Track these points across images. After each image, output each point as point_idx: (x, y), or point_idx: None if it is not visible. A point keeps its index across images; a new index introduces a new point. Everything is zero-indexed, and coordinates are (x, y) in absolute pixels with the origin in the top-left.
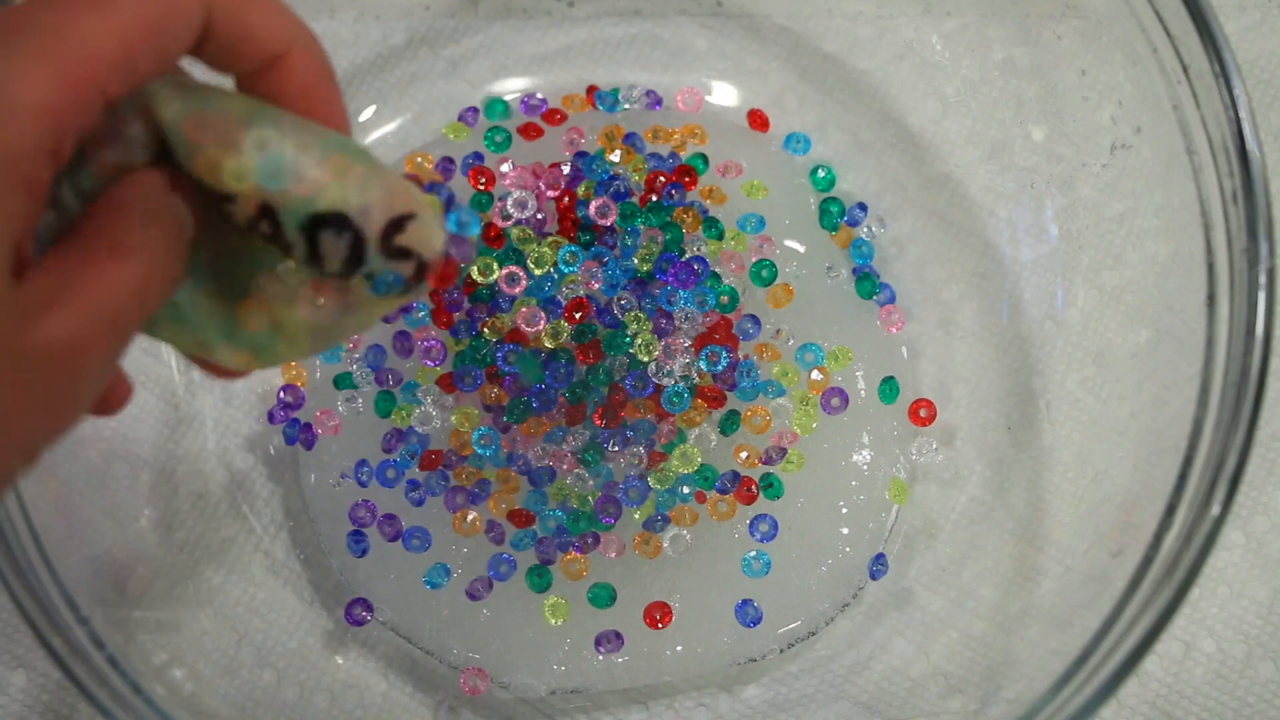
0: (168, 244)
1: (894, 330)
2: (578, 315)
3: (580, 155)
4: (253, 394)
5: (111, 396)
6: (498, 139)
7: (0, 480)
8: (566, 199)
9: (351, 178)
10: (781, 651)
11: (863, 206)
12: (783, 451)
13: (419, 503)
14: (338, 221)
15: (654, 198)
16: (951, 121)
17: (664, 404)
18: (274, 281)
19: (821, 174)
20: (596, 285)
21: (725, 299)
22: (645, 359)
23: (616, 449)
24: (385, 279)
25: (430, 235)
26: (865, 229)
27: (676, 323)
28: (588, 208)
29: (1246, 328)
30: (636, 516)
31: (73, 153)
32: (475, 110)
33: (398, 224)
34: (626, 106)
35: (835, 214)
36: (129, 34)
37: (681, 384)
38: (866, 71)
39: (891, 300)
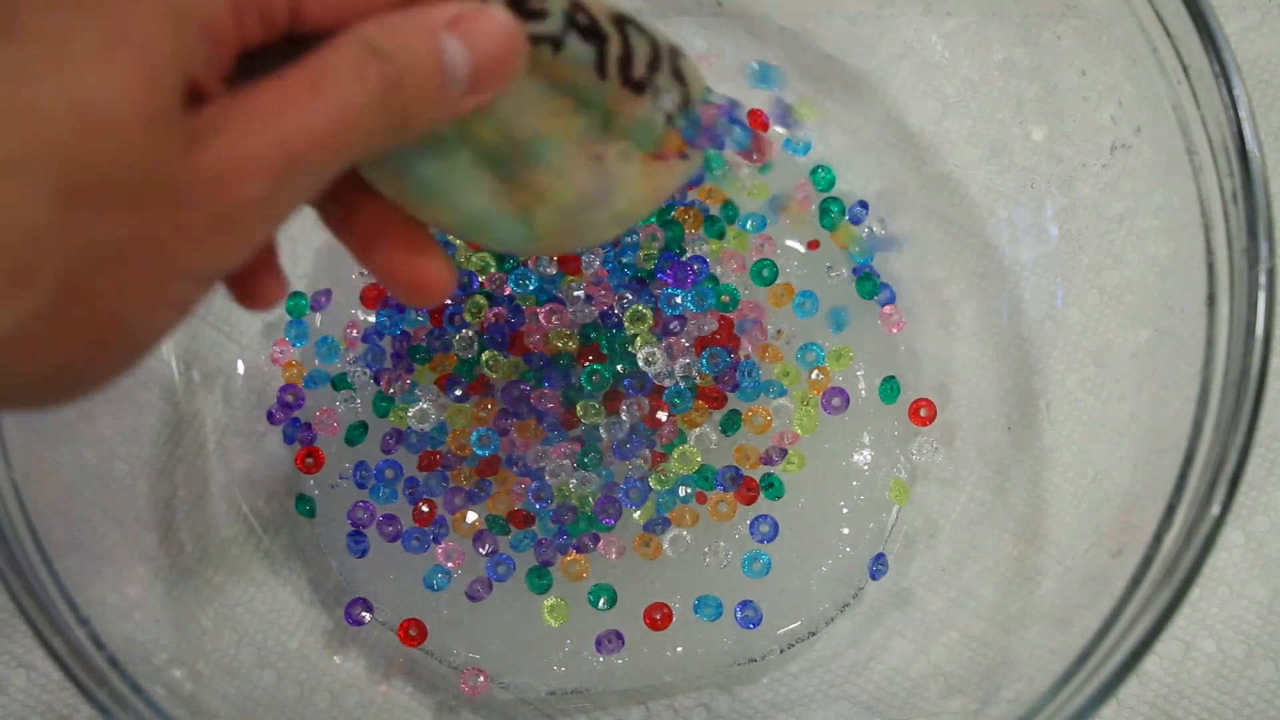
0: (387, 86)
1: (894, 330)
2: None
3: None
4: (252, 394)
5: (261, 290)
6: None
7: (174, 308)
8: None
9: None
10: (781, 651)
11: (864, 204)
12: (783, 452)
13: (414, 500)
14: (637, 24)
15: None
16: (951, 121)
17: (665, 400)
18: (558, 154)
19: (821, 174)
20: (599, 286)
21: (726, 298)
22: (644, 364)
23: (617, 450)
24: (694, 120)
25: (702, 80)
26: (866, 229)
27: (684, 325)
28: None
29: (1246, 328)
30: (637, 516)
31: (253, 18)
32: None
33: (674, 52)
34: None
35: (835, 213)
36: None
37: (682, 384)
38: (866, 71)
39: (892, 300)
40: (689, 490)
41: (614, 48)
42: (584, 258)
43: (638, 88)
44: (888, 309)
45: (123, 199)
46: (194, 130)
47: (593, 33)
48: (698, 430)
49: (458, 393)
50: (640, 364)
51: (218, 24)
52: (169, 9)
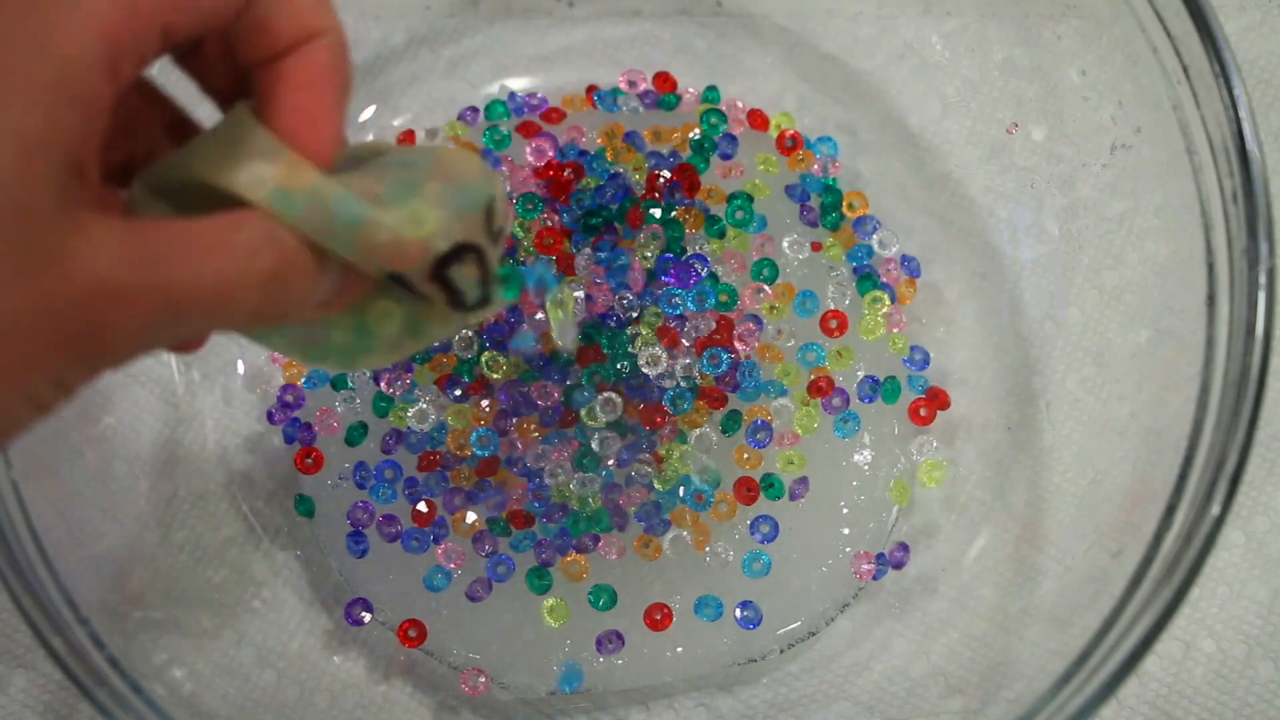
0: (271, 277)
1: (894, 330)
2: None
3: (581, 154)
4: (253, 394)
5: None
6: (497, 138)
7: (30, 406)
8: (555, 173)
9: (440, 217)
10: (782, 652)
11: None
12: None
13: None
14: (459, 253)
15: (655, 196)
16: (951, 121)
17: (666, 403)
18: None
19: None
20: (599, 286)
21: (725, 297)
22: (645, 365)
23: (618, 457)
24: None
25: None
26: (871, 231)
27: (684, 325)
28: (583, 202)
29: (1246, 328)
30: (632, 511)
31: (131, 78)
32: (475, 110)
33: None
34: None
35: (835, 213)
36: None
37: (683, 385)
38: (866, 71)
39: (892, 300)
40: (687, 490)
41: (468, 292)
42: (579, 258)
43: (477, 305)
44: (888, 309)
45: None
46: (66, 226)
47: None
48: (698, 430)
49: (457, 393)
50: (642, 365)
51: (94, 95)
52: (44, 90)
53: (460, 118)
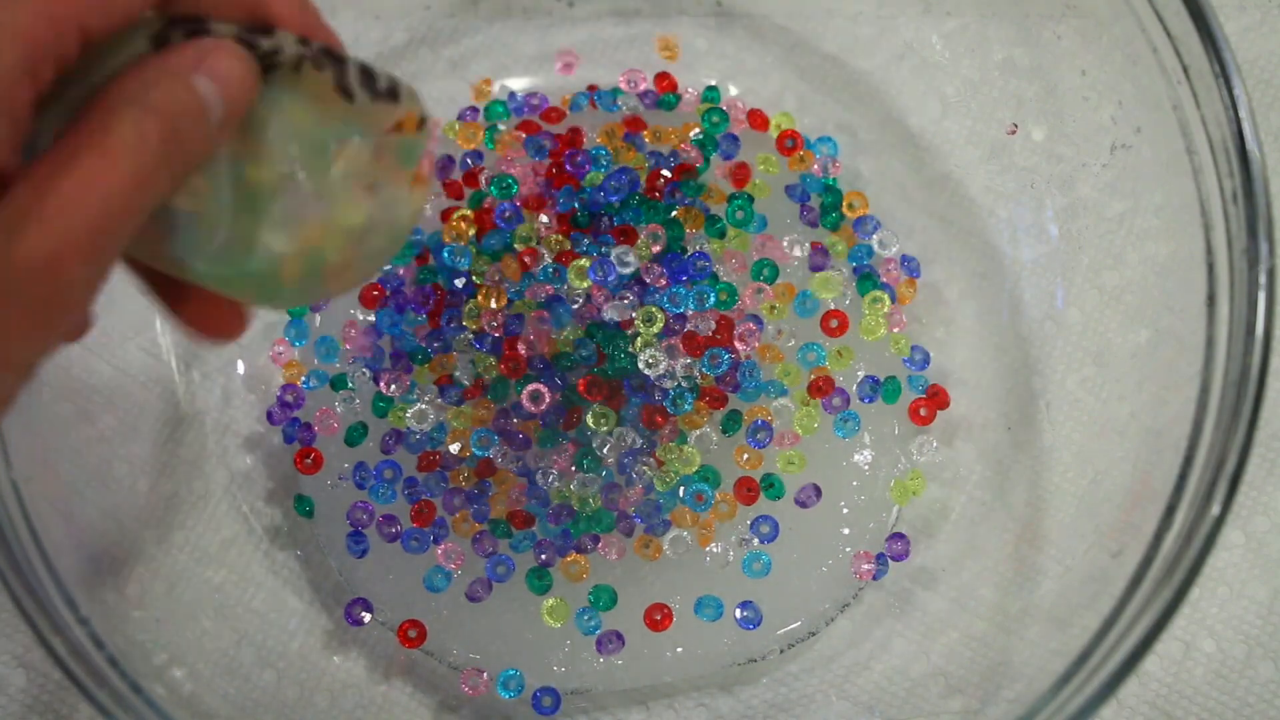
0: (166, 138)
1: (894, 330)
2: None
3: (582, 154)
4: (253, 394)
5: (222, 320)
6: (497, 137)
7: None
8: (557, 169)
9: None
10: (782, 652)
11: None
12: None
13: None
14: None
15: (655, 196)
16: (951, 121)
17: (667, 405)
18: (309, 188)
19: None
20: (600, 287)
21: (724, 296)
22: (645, 366)
23: (616, 455)
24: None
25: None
26: (871, 231)
27: (684, 325)
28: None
29: (1246, 328)
30: (632, 512)
31: (51, 77)
32: (475, 110)
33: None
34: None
35: (835, 213)
36: None
37: (684, 385)
38: (866, 71)
39: (892, 300)
40: (687, 491)
41: (352, 69)
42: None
43: (390, 95)
44: (888, 309)
45: None
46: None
47: (328, 55)
48: (698, 431)
49: (464, 385)
50: (642, 366)
51: (15, 102)
52: None
53: (460, 117)
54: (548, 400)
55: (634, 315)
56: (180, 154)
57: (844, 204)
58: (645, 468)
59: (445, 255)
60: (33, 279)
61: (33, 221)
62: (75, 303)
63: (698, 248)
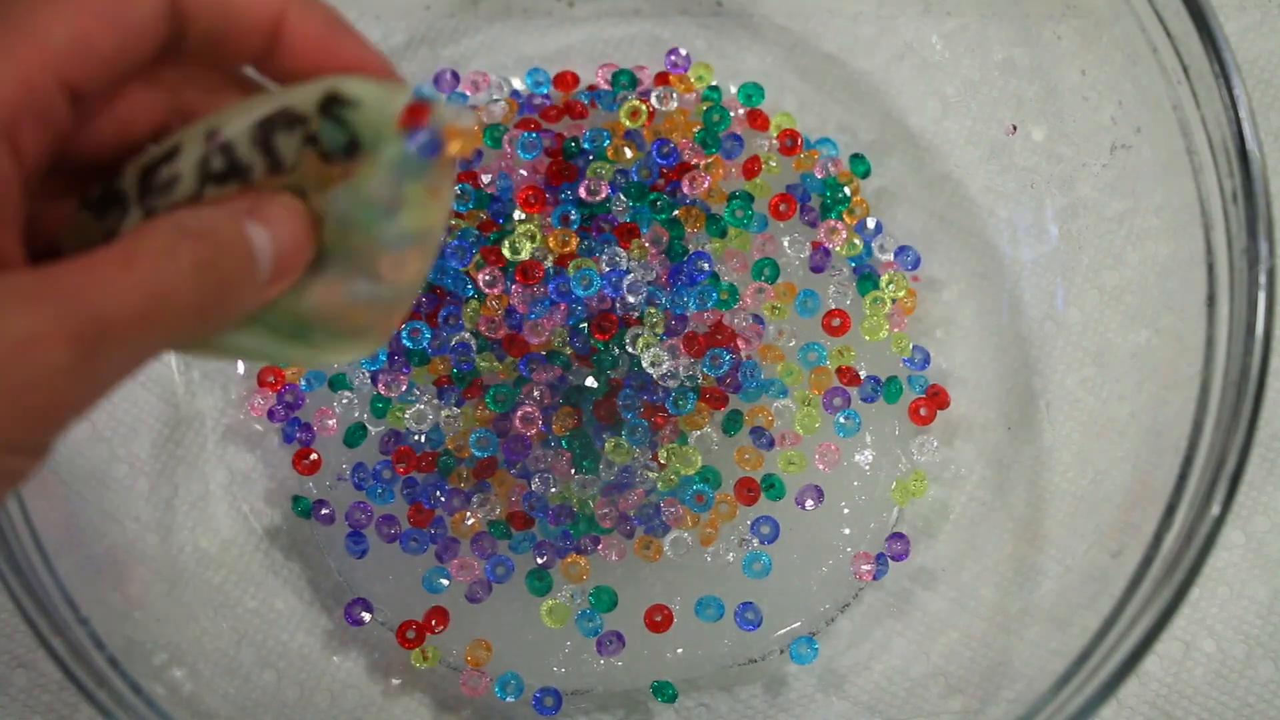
0: (200, 264)
1: (894, 330)
2: (606, 327)
3: (584, 153)
4: (253, 394)
5: None
6: (496, 135)
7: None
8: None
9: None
10: (782, 652)
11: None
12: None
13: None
14: (284, 118)
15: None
16: (951, 121)
17: (668, 406)
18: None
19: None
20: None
21: (725, 296)
22: (649, 365)
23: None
24: (398, 152)
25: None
26: (872, 232)
27: (685, 325)
28: (580, 190)
29: (1246, 328)
30: (632, 514)
31: (45, 139)
32: (475, 109)
33: (334, 99)
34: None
35: (836, 214)
36: (81, 18)
37: (686, 384)
38: (866, 71)
39: (892, 300)
40: (689, 491)
41: (258, 162)
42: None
43: (325, 158)
44: (889, 309)
45: None
46: None
47: (231, 156)
48: (699, 431)
49: (466, 377)
50: (645, 365)
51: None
52: None
53: None
54: (540, 420)
55: (636, 314)
56: (219, 289)
57: (842, 195)
58: (647, 470)
59: (446, 254)
60: (5, 357)
61: (20, 302)
62: (59, 395)
63: (699, 247)
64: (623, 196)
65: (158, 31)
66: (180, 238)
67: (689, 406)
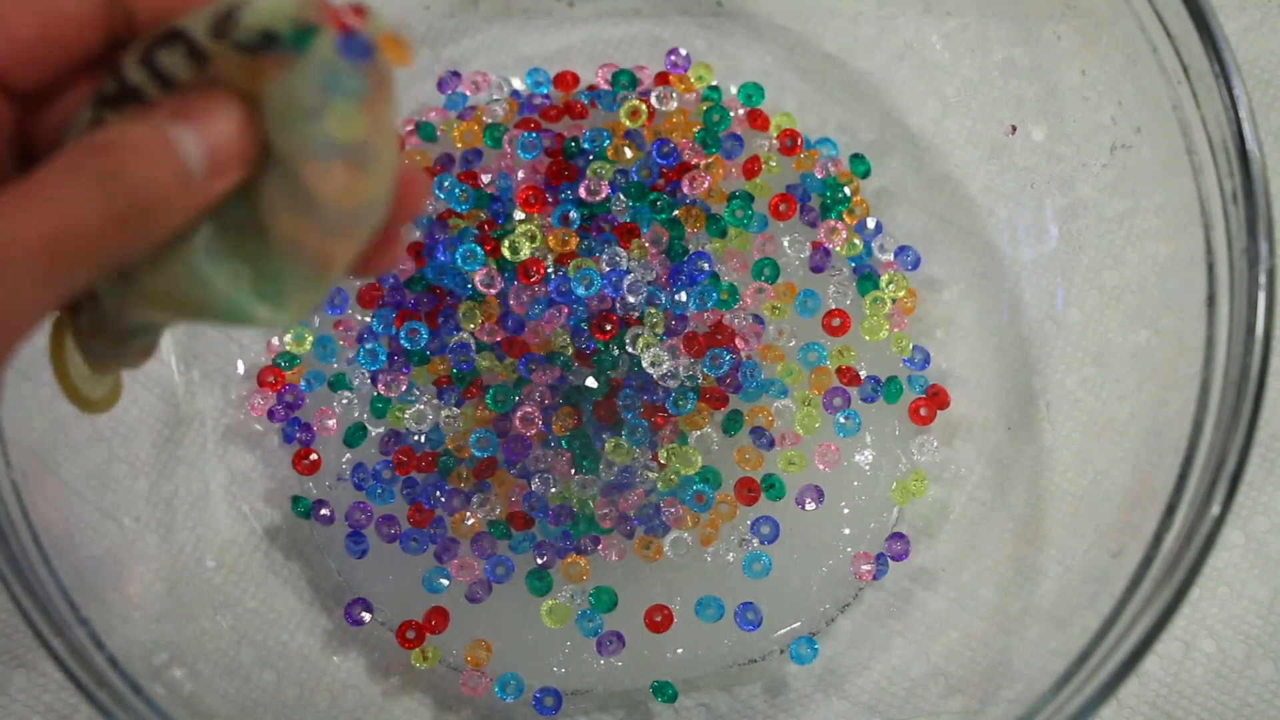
0: (106, 174)
1: (895, 330)
2: (607, 328)
3: (584, 153)
4: (253, 394)
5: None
6: (496, 135)
7: None
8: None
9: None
10: (782, 652)
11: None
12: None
13: (411, 500)
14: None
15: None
16: (951, 121)
17: (669, 406)
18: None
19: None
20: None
21: (725, 296)
22: (649, 365)
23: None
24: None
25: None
26: (872, 232)
27: (686, 325)
28: (580, 189)
29: (1246, 328)
30: (632, 514)
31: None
32: (474, 110)
33: (227, 15)
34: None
35: (836, 214)
36: None
37: (686, 384)
38: (866, 71)
39: (892, 300)
40: (689, 492)
41: (145, 83)
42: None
43: (246, 52)
44: (890, 309)
45: None
46: None
47: (119, 78)
48: (699, 431)
49: (466, 377)
50: (646, 366)
51: None
52: None
53: (461, 117)
54: (540, 421)
55: (636, 314)
56: (134, 199)
57: (843, 195)
58: (647, 470)
59: (445, 254)
60: None
61: None
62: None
63: (700, 247)
64: (622, 196)
65: (94, 20)
66: (83, 153)
67: (689, 407)
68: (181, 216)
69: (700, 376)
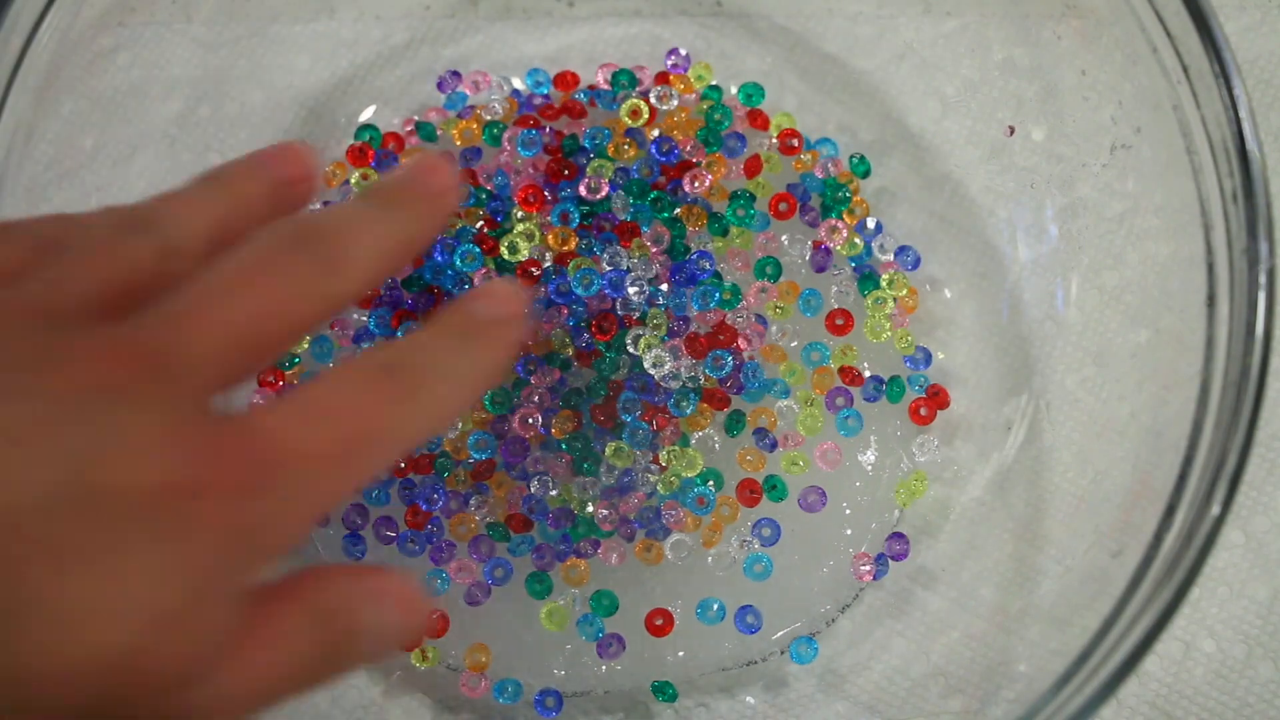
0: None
1: (897, 329)
2: (606, 328)
3: (584, 151)
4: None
5: None
6: (495, 132)
7: None
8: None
9: None
10: (782, 653)
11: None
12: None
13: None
14: None
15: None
16: (951, 121)
17: (671, 408)
18: None
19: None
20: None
21: (728, 295)
22: (650, 366)
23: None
24: None
25: None
26: (872, 232)
27: (688, 325)
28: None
29: (1246, 328)
30: (633, 517)
31: None
32: (473, 109)
33: None
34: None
35: (836, 214)
36: None
37: (688, 385)
38: (866, 71)
39: (893, 300)
40: (690, 494)
41: None
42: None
43: None
44: (892, 309)
45: None
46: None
47: None
48: (700, 433)
49: None
50: (647, 366)
51: None
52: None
53: (460, 116)
54: (540, 422)
55: (637, 314)
56: (325, 664)
57: (843, 195)
58: (648, 473)
59: (443, 254)
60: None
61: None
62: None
63: (701, 246)
64: (623, 194)
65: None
66: (321, 616)
67: (690, 409)
68: (340, 676)
69: (702, 378)
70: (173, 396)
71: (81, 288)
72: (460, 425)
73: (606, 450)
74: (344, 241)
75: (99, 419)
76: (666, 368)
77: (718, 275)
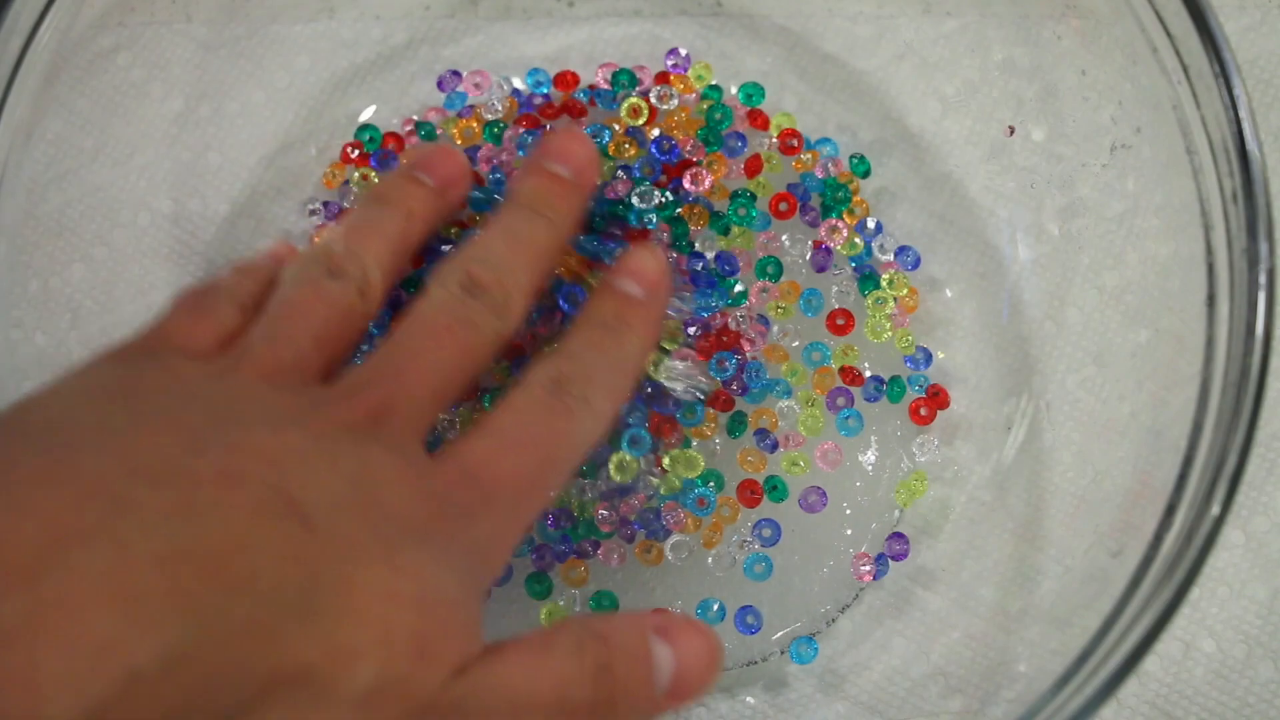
0: (600, 666)
1: (897, 328)
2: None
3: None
4: None
5: None
6: (495, 131)
7: None
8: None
9: None
10: (782, 653)
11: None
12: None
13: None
14: None
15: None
16: (951, 121)
17: (678, 418)
18: None
19: (856, 161)
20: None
21: (733, 294)
22: (664, 377)
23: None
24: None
25: None
26: (872, 233)
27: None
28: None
29: (1246, 328)
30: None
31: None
32: (474, 109)
33: None
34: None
35: (836, 214)
36: None
37: (699, 396)
38: (866, 71)
39: (894, 300)
40: (691, 495)
41: None
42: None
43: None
44: (892, 309)
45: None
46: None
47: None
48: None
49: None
50: (653, 373)
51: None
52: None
53: (460, 115)
54: None
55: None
56: (611, 693)
57: (843, 195)
58: (649, 475)
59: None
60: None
61: (479, 678)
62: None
63: (702, 245)
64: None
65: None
66: (587, 638)
67: (697, 418)
68: (636, 716)
69: (709, 385)
70: (400, 434)
71: (300, 343)
72: (460, 426)
73: (610, 464)
74: (506, 288)
75: (356, 452)
76: (680, 385)
77: (722, 275)
